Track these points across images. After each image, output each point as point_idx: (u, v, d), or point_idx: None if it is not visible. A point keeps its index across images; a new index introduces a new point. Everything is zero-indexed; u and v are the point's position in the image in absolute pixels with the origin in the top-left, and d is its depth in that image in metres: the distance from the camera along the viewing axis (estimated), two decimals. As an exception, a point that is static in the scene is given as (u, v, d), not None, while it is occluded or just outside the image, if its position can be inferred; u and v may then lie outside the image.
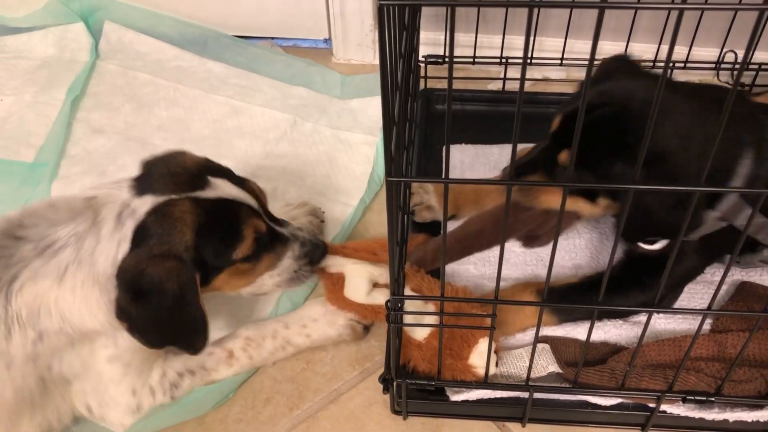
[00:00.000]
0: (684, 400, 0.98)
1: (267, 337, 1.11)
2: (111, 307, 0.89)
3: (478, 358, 0.99)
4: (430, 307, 1.02)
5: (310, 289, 1.22)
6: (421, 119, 1.50)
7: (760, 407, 0.97)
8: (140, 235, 0.89)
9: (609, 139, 0.94)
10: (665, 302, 1.10)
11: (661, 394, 0.97)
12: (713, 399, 0.96)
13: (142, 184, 0.93)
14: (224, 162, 1.49)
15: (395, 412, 1.08)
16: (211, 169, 0.97)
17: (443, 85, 1.59)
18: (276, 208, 1.36)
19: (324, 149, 1.55)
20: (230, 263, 0.94)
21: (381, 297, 1.07)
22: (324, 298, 1.14)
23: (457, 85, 1.65)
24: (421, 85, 1.58)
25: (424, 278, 1.08)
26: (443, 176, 0.70)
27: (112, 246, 0.89)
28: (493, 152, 1.45)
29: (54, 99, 1.66)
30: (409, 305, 0.99)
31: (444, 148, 0.68)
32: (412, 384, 1.01)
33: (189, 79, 1.74)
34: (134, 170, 1.45)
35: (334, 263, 1.11)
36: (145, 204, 0.90)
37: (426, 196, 1.27)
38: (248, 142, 1.57)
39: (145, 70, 1.76)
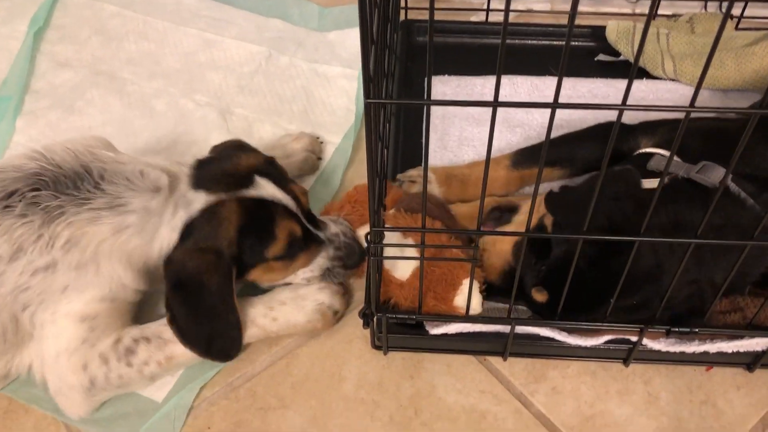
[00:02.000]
0: (668, 333, 0.97)
1: None
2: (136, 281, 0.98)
3: (463, 300, 0.97)
4: (411, 243, 0.99)
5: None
6: (401, 52, 1.46)
7: (740, 337, 0.97)
8: (189, 230, 0.95)
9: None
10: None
11: (643, 326, 0.96)
12: (696, 330, 0.96)
13: (199, 176, 0.98)
14: (197, 96, 1.45)
15: (376, 347, 1.06)
16: (261, 170, 1.01)
17: (424, 16, 1.53)
18: (275, 138, 1.35)
19: (301, 83, 1.50)
20: (263, 261, 0.99)
21: None
22: (293, 285, 1.08)
23: (440, 16, 1.60)
24: (402, 17, 1.53)
25: (404, 216, 1.05)
26: (425, 98, 0.67)
27: (166, 233, 0.96)
28: (476, 84, 1.41)
29: (15, 31, 1.58)
30: (390, 239, 0.96)
31: (426, 74, 0.65)
32: (392, 318, 0.99)
33: (158, 11, 1.66)
34: (103, 106, 1.43)
35: None
36: (199, 200, 0.96)
37: (429, 186, 1.22)
38: (222, 76, 1.51)
39: (112, 2, 1.69)
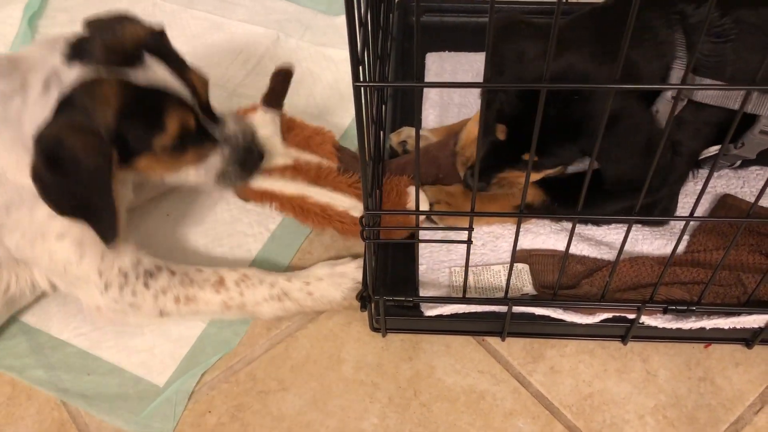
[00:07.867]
0: (665, 311, 0.97)
1: (265, 282, 1.04)
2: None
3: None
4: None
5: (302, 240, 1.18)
6: (398, 32, 1.44)
7: (737, 314, 0.96)
8: (64, 106, 0.87)
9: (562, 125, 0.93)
10: (660, 209, 1.07)
11: (641, 304, 0.96)
12: (694, 308, 0.96)
13: (75, 50, 0.89)
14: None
15: (374, 329, 1.07)
16: (151, 46, 0.92)
17: (424, -4, 1.52)
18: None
19: (308, 66, 1.49)
20: (149, 150, 0.93)
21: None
22: (332, 262, 1.09)
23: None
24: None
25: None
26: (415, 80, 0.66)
27: (38, 110, 0.87)
28: (476, 60, 1.40)
29: (9, 17, 1.58)
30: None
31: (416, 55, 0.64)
32: (389, 301, 1.00)
33: (167, -7, 1.66)
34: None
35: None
36: (73, 74, 0.87)
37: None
38: (229, 59, 1.51)
39: (119, -16, 1.68)
